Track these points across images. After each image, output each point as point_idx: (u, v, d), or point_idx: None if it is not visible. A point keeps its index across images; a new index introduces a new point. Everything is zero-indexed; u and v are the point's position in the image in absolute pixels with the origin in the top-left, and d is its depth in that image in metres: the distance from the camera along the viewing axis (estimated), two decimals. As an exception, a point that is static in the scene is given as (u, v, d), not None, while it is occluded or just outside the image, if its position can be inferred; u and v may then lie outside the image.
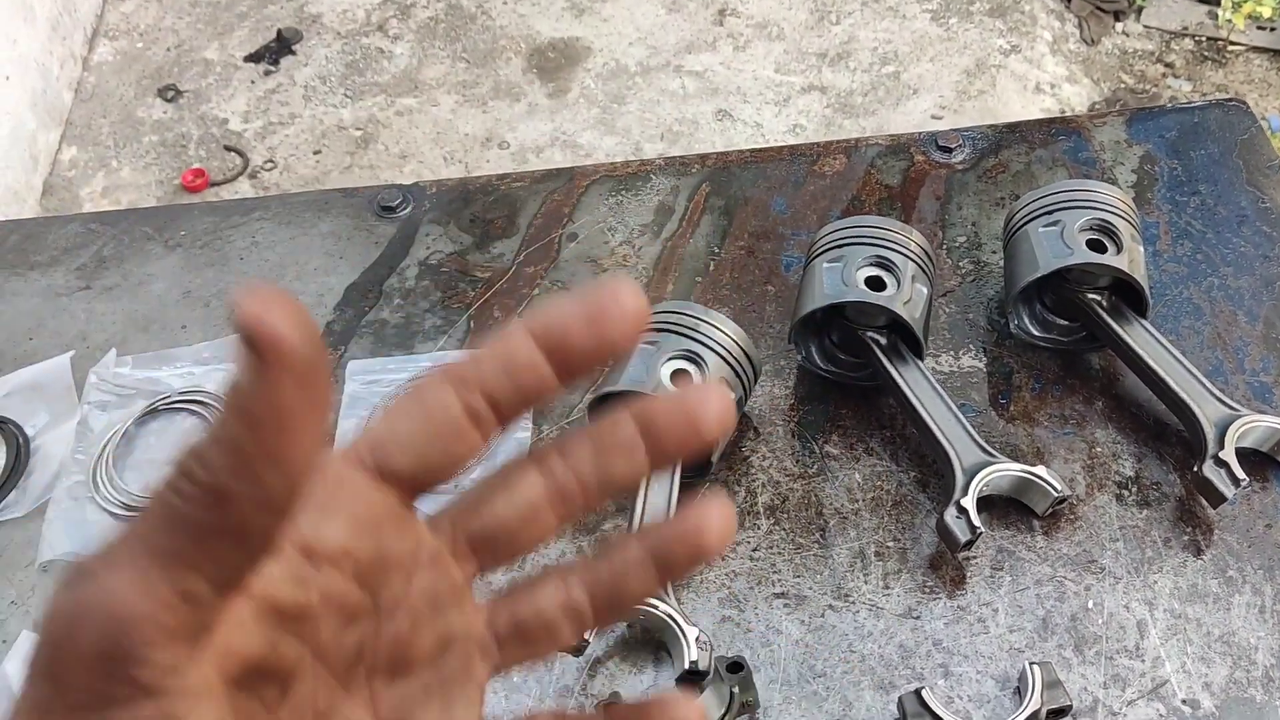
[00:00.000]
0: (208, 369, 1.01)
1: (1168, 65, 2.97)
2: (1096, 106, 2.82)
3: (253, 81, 3.14)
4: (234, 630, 0.29)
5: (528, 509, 0.35)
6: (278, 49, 3.20)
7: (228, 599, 0.28)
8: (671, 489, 0.86)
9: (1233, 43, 2.99)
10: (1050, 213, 0.94)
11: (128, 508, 0.91)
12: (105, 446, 0.95)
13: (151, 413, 0.98)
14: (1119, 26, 3.06)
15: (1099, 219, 0.92)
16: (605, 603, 0.37)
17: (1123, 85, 2.92)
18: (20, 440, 0.97)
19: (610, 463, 0.35)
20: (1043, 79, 2.91)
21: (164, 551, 0.26)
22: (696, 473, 0.90)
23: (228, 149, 2.97)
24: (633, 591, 0.37)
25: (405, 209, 1.15)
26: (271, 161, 2.94)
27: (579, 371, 0.34)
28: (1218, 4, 3.06)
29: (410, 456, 0.33)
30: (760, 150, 1.19)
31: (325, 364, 0.27)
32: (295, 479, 0.27)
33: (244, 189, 2.88)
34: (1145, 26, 3.05)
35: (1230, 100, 1.18)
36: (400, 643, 0.35)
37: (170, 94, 3.11)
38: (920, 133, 1.18)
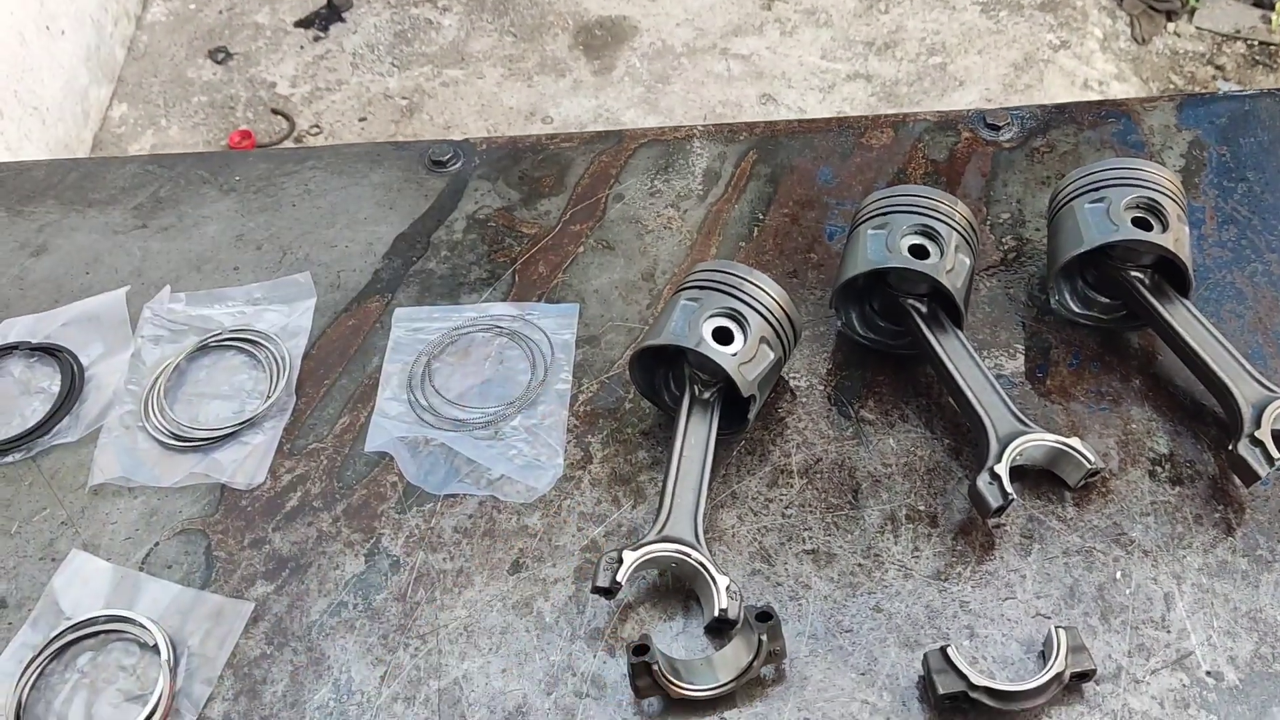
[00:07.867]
0: (258, 308, 1.03)
1: (1218, 67, 2.94)
2: (1144, 105, 2.80)
3: (302, 47, 3.17)
4: None
5: None
6: (328, 15, 3.23)
7: None
8: (708, 441, 0.87)
9: (1286, 47, 2.96)
10: (1097, 189, 0.94)
11: (177, 438, 0.94)
12: (157, 379, 0.98)
13: (202, 348, 1.00)
14: (1170, 26, 3.03)
15: (1146, 197, 0.92)
16: None
17: (1172, 85, 2.89)
18: (75, 369, 0.99)
19: None
20: (1091, 76, 2.89)
21: None
22: (733, 428, 0.92)
23: (274, 112, 3.00)
24: None
25: (455, 164, 1.17)
26: (317, 127, 2.97)
27: None
28: (1271, 8, 3.02)
29: None
30: (808, 121, 1.20)
31: None
32: None
33: (289, 152, 2.91)
34: (1197, 28, 3.02)
35: (1283, 90, 1.18)
36: None
37: (220, 56, 3.15)
38: (969, 110, 1.19)
